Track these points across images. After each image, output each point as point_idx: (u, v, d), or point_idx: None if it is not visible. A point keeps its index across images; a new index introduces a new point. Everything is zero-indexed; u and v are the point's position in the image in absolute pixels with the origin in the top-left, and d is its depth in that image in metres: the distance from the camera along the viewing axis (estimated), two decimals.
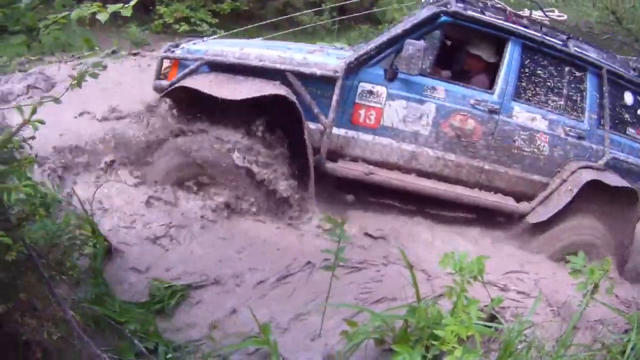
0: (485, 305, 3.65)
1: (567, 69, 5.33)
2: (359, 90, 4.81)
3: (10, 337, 2.46)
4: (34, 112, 2.21)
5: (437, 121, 4.97)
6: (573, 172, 5.22)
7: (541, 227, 5.28)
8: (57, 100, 2.42)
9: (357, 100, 4.83)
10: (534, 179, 5.31)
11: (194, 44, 5.16)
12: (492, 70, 5.25)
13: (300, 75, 4.69)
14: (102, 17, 2.37)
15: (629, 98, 5.67)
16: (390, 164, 5.02)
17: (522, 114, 5.14)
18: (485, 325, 3.46)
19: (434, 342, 3.01)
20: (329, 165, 4.86)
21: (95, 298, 3.30)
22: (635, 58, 6.10)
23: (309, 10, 11.95)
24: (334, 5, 11.97)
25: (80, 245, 3.06)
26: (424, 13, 5.05)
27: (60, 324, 2.55)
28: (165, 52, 5.05)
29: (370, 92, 4.83)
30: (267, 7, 13.62)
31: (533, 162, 5.25)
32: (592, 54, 5.51)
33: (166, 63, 5.02)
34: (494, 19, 5.12)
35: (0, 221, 2.21)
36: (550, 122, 5.23)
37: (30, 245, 2.42)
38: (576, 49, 5.39)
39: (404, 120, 4.93)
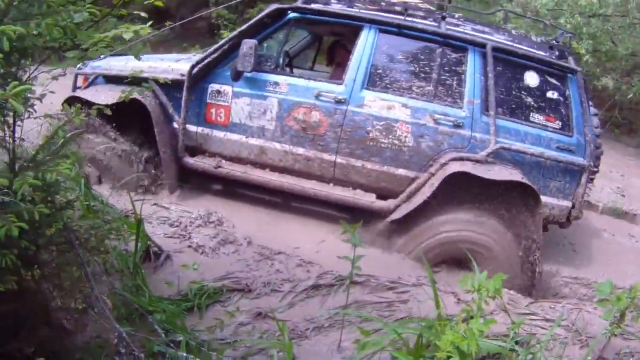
0: (508, 329, 3.61)
1: (438, 50, 4.71)
2: (209, 91, 4.89)
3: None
4: (77, 111, 2.69)
5: (281, 115, 4.75)
6: (443, 165, 4.56)
7: (406, 226, 4.67)
8: None
9: (208, 100, 4.90)
10: (398, 174, 4.72)
11: (95, 60, 5.55)
12: None
13: (158, 81, 4.84)
14: (127, 36, 2.68)
15: (532, 79, 4.78)
16: (243, 158, 4.94)
17: (375, 103, 4.64)
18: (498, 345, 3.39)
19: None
20: (186, 159, 4.97)
21: (130, 288, 3.48)
22: (561, 32, 5.15)
23: None
24: None
25: (118, 235, 3.52)
26: (262, 12, 4.91)
27: (87, 298, 2.94)
28: (78, 68, 5.50)
29: (219, 92, 4.87)
30: None
31: (395, 155, 4.68)
32: (482, 34, 4.82)
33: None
34: (342, 9, 4.80)
35: (46, 201, 2.59)
36: (413, 111, 4.64)
37: (69, 226, 2.81)
38: (451, 27, 4.77)
39: (250, 117, 4.82)
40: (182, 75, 4.80)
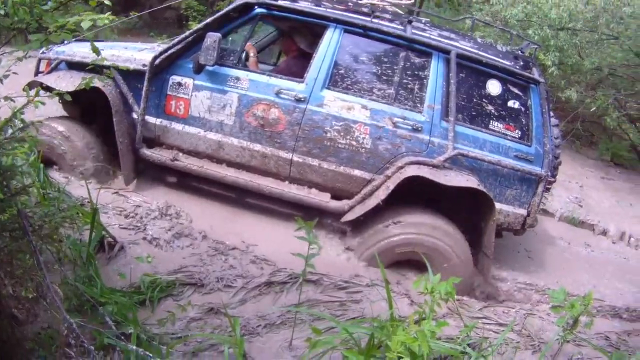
0: (460, 332, 3.61)
1: (402, 54, 4.63)
2: (170, 83, 4.73)
3: None
4: (37, 93, 2.60)
5: (240, 111, 4.62)
6: (400, 168, 4.50)
7: (361, 227, 4.62)
8: None
9: (168, 92, 4.74)
10: (354, 175, 4.63)
11: (63, 45, 5.32)
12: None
13: (120, 71, 4.65)
14: (85, 25, 2.56)
15: (494, 87, 4.72)
16: (200, 152, 4.80)
17: (335, 103, 4.54)
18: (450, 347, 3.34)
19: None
20: (143, 150, 4.81)
21: (82, 278, 3.39)
22: (526, 43, 5.11)
23: None
24: None
25: (72, 224, 3.45)
26: (230, 6, 4.78)
27: (38, 287, 2.85)
28: (41, 53, 5.32)
29: (180, 84, 4.71)
30: None
31: (352, 156, 4.59)
32: (448, 40, 4.75)
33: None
34: (309, 7, 4.67)
35: (1, 185, 2.53)
36: (372, 112, 4.55)
37: (23, 212, 2.73)
38: (417, 32, 4.69)
39: (209, 111, 4.68)
40: (144, 65, 4.64)
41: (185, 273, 3.91)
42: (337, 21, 4.60)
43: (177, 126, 4.78)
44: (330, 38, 4.60)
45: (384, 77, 4.63)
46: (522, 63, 4.86)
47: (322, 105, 4.56)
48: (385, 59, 4.64)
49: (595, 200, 7.98)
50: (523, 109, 4.77)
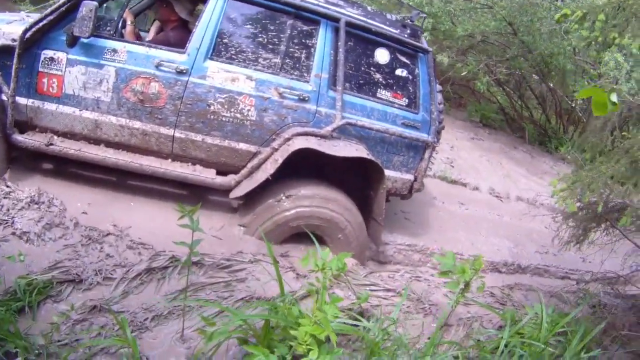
0: (353, 303, 3.61)
1: (289, 22, 4.37)
2: (42, 58, 4.13)
3: None
4: None
5: (118, 86, 4.16)
6: (287, 140, 4.29)
7: (250, 203, 4.41)
8: None
9: (40, 69, 4.14)
10: (239, 148, 4.37)
11: None
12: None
13: None
14: None
15: (382, 56, 4.61)
16: (77, 134, 4.29)
17: (219, 75, 4.22)
18: (352, 325, 3.33)
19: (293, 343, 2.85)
20: (16, 137, 4.20)
21: None
22: (414, 12, 5.05)
23: None
24: None
25: None
26: None
27: None
28: None
29: (52, 60, 4.13)
30: None
31: (237, 129, 4.32)
32: (336, 8, 4.55)
33: None
34: None
35: None
36: (258, 83, 4.29)
37: None
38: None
39: (85, 87, 4.16)
40: (14, 40, 4.02)
41: (61, 269, 3.55)
42: None
43: (51, 106, 4.20)
44: (215, 5, 4.25)
45: (270, 46, 4.36)
46: (409, 31, 4.78)
47: (205, 77, 4.22)
48: (272, 27, 4.36)
49: (466, 160, 8.25)
50: (411, 77, 4.71)
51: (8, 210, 3.92)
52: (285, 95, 4.34)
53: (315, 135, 4.33)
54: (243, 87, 4.27)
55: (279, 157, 4.20)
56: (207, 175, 4.39)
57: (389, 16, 5.14)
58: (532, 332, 3.60)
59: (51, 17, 4.11)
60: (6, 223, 3.81)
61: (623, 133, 4.14)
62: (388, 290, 4.15)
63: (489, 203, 7.34)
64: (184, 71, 4.18)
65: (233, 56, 4.29)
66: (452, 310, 3.78)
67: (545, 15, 8.37)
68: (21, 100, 4.17)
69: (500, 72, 9.24)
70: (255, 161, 4.36)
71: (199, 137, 4.32)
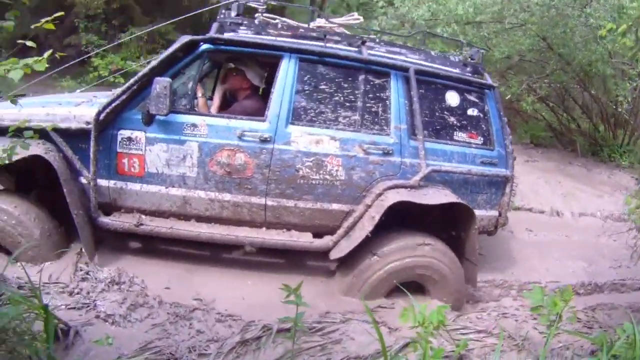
0: (452, 351, 3.58)
1: (361, 77, 4.37)
2: (119, 139, 4.13)
3: None
4: None
5: (203, 160, 4.15)
6: (379, 195, 4.25)
7: (351, 262, 4.34)
8: None
9: (118, 150, 4.14)
10: (332, 209, 4.34)
11: None
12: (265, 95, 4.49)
13: (60, 131, 4.04)
14: (15, 75, 2.13)
15: (453, 98, 4.61)
16: (165, 211, 4.26)
17: (302, 139, 4.22)
18: None
19: None
20: (101, 219, 4.19)
21: None
22: (473, 50, 5.05)
23: None
24: None
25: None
26: (173, 45, 4.30)
27: None
28: None
29: (130, 139, 4.13)
30: None
31: (327, 190, 4.29)
32: (399, 56, 4.57)
33: None
34: (260, 38, 4.30)
35: None
36: (342, 143, 4.28)
37: None
38: (372, 52, 4.47)
39: (168, 164, 4.15)
40: (88, 123, 4.04)
41: (153, 350, 3.46)
42: (292, 50, 4.27)
43: (134, 186, 4.20)
44: (287, 69, 4.25)
45: (347, 104, 4.35)
46: (471, 69, 4.78)
47: (290, 142, 4.22)
48: (345, 85, 4.36)
49: (525, 184, 8.14)
50: (482, 115, 4.70)
51: (88, 293, 3.89)
52: (369, 151, 4.32)
53: (405, 187, 4.30)
54: (328, 148, 4.26)
55: (375, 214, 4.15)
56: (305, 240, 4.35)
57: (451, 57, 5.12)
58: (625, 352, 3.48)
59: (123, 97, 4.13)
60: (88, 306, 3.75)
61: None
62: (479, 331, 4.07)
63: (555, 224, 7.19)
64: (268, 139, 4.18)
65: (313, 118, 4.29)
66: (547, 343, 3.63)
67: (576, 23, 8.26)
68: (102, 182, 4.17)
69: (542, 88, 9.13)
70: (350, 220, 4.31)
71: (291, 203, 4.29)
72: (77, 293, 3.87)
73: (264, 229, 4.37)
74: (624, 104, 9.07)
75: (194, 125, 4.16)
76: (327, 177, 4.27)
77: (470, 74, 4.73)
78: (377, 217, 4.13)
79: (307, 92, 4.31)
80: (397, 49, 4.71)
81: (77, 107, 4.28)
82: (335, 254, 4.31)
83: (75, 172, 4.15)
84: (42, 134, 3.76)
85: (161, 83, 3.92)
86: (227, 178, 4.20)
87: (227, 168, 4.18)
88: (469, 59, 4.85)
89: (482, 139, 4.69)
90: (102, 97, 4.43)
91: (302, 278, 4.40)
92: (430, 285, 4.39)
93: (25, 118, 4.00)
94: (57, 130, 3.96)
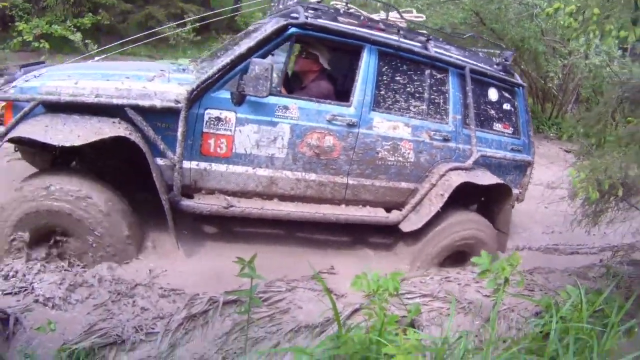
0: (404, 317, 3.56)
1: (427, 71, 4.76)
2: (206, 118, 3.99)
3: None
4: None
5: (294, 142, 4.27)
6: (442, 176, 4.71)
7: (416, 234, 4.78)
8: None
9: (205, 130, 4.00)
10: (401, 187, 4.76)
11: (26, 80, 3.94)
12: (330, 78, 4.80)
13: (140, 109, 3.81)
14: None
15: (493, 94, 5.22)
16: (249, 191, 4.31)
17: (383, 124, 4.54)
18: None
19: None
20: (185, 203, 4.05)
21: None
22: (499, 52, 5.62)
23: (171, 24, 11.17)
24: (195, 17, 11.04)
25: None
26: (269, 26, 4.29)
27: None
28: None
29: (218, 119, 4.02)
30: (129, 19, 12.54)
31: (399, 171, 4.68)
32: (453, 54, 5.01)
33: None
34: (347, 27, 4.45)
35: None
36: (413, 129, 4.67)
37: None
38: (436, 50, 4.85)
39: (258, 145, 4.19)
40: (177, 101, 3.86)
41: (98, 333, 3.21)
42: (374, 42, 4.50)
43: (220, 167, 4.13)
44: (369, 59, 4.50)
45: (417, 94, 4.73)
46: (502, 68, 5.37)
47: (372, 127, 4.51)
48: (415, 77, 4.73)
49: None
50: (513, 109, 5.40)
51: (24, 275, 3.55)
52: (434, 137, 4.78)
53: (462, 169, 4.82)
54: (403, 133, 4.64)
55: (443, 192, 4.64)
56: (382, 215, 4.73)
57: (481, 55, 5.64)
58: (572, 314, 3.62)
59: (217, 76, 4.00)
60: (26, 290, 3.43)
61: (628, 118, 4.35)
62: (424, 295, 4.16)
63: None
64: (354, 124, 4.44)
65: (390, 106, 4.62)
66: (494, 307, 3.63)
67: (510, 1, 8.73)
68: (184, 164, 4.03)
69: None
70: (417, 197, 4.76)
71: (368, 182, 4.63)
72: (13, 276, 3.52)
73: (342, 206, 4.66)
74: (555, 79, 9.75)
75: (286, 108, 4.22)
76: (400, 159, 4.66)
77: (503, 73, 5.32)
78: (447, 195, 4.62)
79: (385, 81, 4.61)
80: (454, 48, 5.15)
81: (151, 82, 4.00)
82: (407, 227, 4.72)
83: (157, 154, 3.97)
84: (107, 111, 3.69)
85: (261, 65, 3.87)
86: (314, 159, 4.39)
87: (317, 150, 4.37)
88: (504, 60, 5.40)
89: (512, 129, 5.39)
90: (174, 72, 4.25)
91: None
92: (475, 253, 4.94)
93: (91, 93, 3.81)
94: (135, 108, 3.79)
